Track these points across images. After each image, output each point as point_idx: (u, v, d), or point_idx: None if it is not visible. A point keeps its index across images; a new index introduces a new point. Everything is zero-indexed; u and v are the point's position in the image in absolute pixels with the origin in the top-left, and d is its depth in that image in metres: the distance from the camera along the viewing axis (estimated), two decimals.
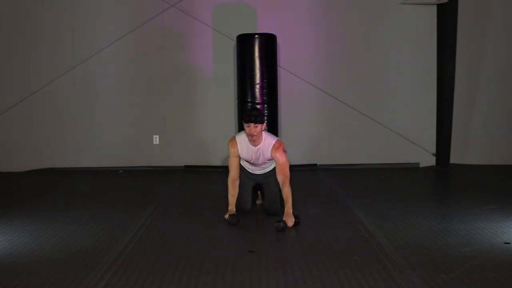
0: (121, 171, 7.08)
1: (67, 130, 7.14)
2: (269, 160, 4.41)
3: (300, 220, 4.23)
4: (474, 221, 4.26)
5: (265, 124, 4.36)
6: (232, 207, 4.37)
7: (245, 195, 4.57)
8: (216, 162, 7.07)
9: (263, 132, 4.31)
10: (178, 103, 7.21)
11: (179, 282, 3.01)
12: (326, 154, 7.18)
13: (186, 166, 7.18)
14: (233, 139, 4.41)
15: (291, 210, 4.18)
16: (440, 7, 7.01)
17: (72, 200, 5.35)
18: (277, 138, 4.40)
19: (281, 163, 4.27)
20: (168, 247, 3.70)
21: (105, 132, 7.16)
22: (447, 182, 6.64)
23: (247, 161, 4.49)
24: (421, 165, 7.22)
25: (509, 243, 3.66)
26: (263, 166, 4.52)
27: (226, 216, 4.33)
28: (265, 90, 5.68)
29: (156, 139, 7.21)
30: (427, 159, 7.24)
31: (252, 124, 4.17)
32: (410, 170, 7.03)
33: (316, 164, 7.17)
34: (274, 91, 5.86)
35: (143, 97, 7.17)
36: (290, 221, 4.13)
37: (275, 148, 4.27)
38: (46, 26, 7.01)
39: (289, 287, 2.94)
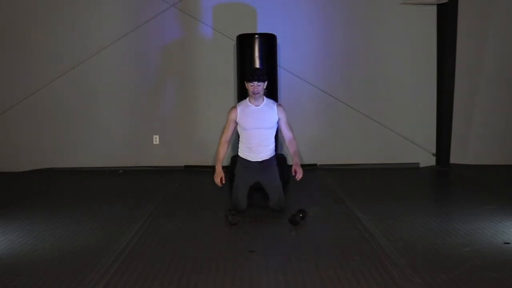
0: (121, 171, 7.08)
1: (67, 130, 7.14)
2: (271, 127, 4.57)
3: (306, 214, 4.30)
4: (474, 221, 4.26)
5: (266, 82, 4.59)
6: (219, 167, 4.61)
7: (241, 194, 4.60)
8: None
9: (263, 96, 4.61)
10: (178, 103, 7.21)
11: (179, 282, 3.01)
12: (326, 154, 7.18)
13: (186, 166, 7.18)
14: (233, 106, 4.69)
15: (299, 161, 4.64)
16: (440, 7, 7.01)
17: (72, 200, 5.35)
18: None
19: (286, 122, 4.66)
20: (168, 247, 3.70)
21: (105, 132, 7.16)
22: (447, 182, 6.64)
23: (248, 132, 4.53)
24: (421, 165, 7.21)
25: (509, 243, 3.66)
26: (264, 140, 4.55)
27: (215, 179, 4.58)
28: (265, 90, 5.67)
29: (156, 139, 7.21)
30: (427, 159, 7.23)
31: (255, 83, 4.46)
32: (410, 170, 7.03)
33: (316, 164, 7.17)
34: (274, 91, 5.87)
35: (143, 97, 7.16)
36: (299, 169, 4.54)
37: (279, 108, 4.63)
38: (46, 26, 7.01)
39: (289, 287, 2.95)
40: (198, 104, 7.19)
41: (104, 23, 7.04)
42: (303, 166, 6.84)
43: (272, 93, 5.75)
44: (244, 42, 5.87)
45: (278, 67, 6.22)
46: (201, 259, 3.40)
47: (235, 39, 6.15)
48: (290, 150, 4.70)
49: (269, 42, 5.86)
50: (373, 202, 5.03)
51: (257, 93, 4.48)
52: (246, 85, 4.57)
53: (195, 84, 7.16)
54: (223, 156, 4.67)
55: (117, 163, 7.16)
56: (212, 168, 6.90)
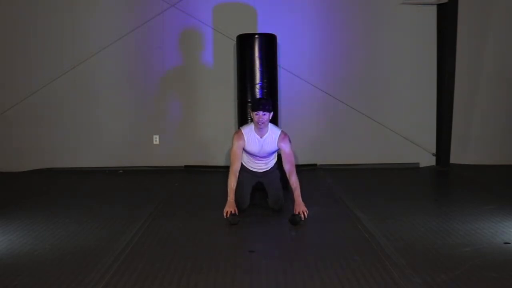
0: (121, 171, 7.08)
1: (67, 130, 7.15)
2: (273, 152, 4.54)
3: (306, 215, 4.34)
4: (474, 221, 4.26)
5: (272, 113, 4.43)
6: (232, 197, 4.40)
7: (244, 194, 4.62)
8: (216, 162, 7.08)
9: (269, 123, 4.43)
10: (178, 103, 7.21)
11: (179, 282, 3.01)
12: (326, 154, 7.18)
13: (186, 166, 7.18)
14: (239, 131, 4.50)
15: (300, 198, 4.38)
16: (440, 7, 7.01)
17: (72, 200, 5.35)
18: (281, 129, 4.54)
19: (288, 153, 4.44)
20: (168, 247, 3.70)
21: (105, 132, 7.16)
22: (447, 182, 6.64)
23: (251, 155, 4.53)
24: (421, 165, 7.22)
25: (509, 243, 3.66)
26: (265, 161, 4.59)
27: (226, 211, 4.33)
28: (265, 90, 5.68)
29: (156, 139, 7.21)
30: (427, 159, 7.24)
31: (260, 112, 4.29)
32: (410, 170, 7.03)
33: (316, 164, 7.17)
34: (274, 91, 5.86)
35: (143, 97, 7.17)
36: (302, 208, 4.31)
37: (281, 138, 4.43)
38: (46, 26, 7.01)
39: (289, 287, 2.94)
40: (198, 104, 7.19)
41: (104, 23, 7.04)
42: (303, 166, 6.98)
43: (272, 93, 5.75)
44: (244, 42, 5.87)
45: (278, 67, 6.21)
46: (201, 259, 3.40)
47: (235, 39, 6.15)
48: (289, 181, 4.45)
49: (269, 42, 5.85)
50: (373, 202, 5.03)
51: (262, 123, 4.33)
52: (251, 113, 4.45)
53: (195, 84, 7.16)
54: (235, 185, 4.42)
55: (117, 163, 7.16)
56: (212, 168, 7.01)
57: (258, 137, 4.42)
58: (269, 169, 4.68)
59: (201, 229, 4.16)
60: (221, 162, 6.98)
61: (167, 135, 7.21)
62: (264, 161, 4.62)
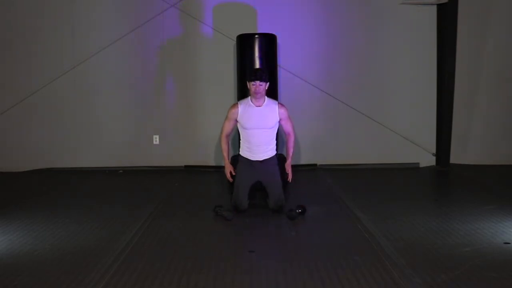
0: (121, 171, 7.08)
1: (67, 130, 7.15)
2: (273, 127, 4.58)
3: (304, 209, 4.43)
4: (474, 221, 4.26)
5: (268, 83, 4.54)
6: (227, 160, 4.72)
7: (242, 194, 4.60)
8: (216, 162, 7.08)
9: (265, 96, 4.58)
10: (178, 103, 7.21)
11: (179, 282, 3.01)
12: (326, 154, 7.18)
13: (186, 166, 7.18)
14: (235, 103, 4.70)
15: (290, 160, 4.77)
16: (440, 7, 7.01)
17: (72, 200, 5.35)
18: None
19: (289, 119, 4.68)
20: (168, 247, 3.70)
21: (105, 132, 7.16)
22: (447, 182, 6.64)
23: (250, 129, 4.53)
24: (421, 165, 7.21)
25: (509, 243, 3.66)
26: (265, 140, 4.57)
27: (229, 171, 4.66)
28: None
29: (156, 139, 7.21)
30: (427, 159, 7.24)
31: (257, 82, 4.41)
32: (410, 170, 7.03)
33: (316, 164, 7.17)
34: (274, 91, 5.87)
35: (143, 97, 7.17)
36: (288, 169, 4.71)
37: (280, 105, 4.60)
38: (46, 26, 7.01)
39: (289, 287, 2.95)
40: (198, 104, 7.19)
41: (104, 23, 7.04)
42: (303, 166, 7.00)
43: (272, 93, 5.73)
44: (244, 42, 5.88)
45: (278, 67, 6.22)
46: (201, 259, 3.40)
47: (235, 39, 6.15)
48: (286, 145, 4.79)
49: (269, 42, 5.85)
50: (373, 202, 5.03)
51: (259, 93, 4.44)
52: (248, 84, 4.52)
53: (195, 84, 7.16)
54: (227, 149, 4.72)
55: (117, 163, 7.16)
56: (212, 168, 7.02)
57: (255, 106, 4.52)
58: (269, 158, 4.63)
59: (201, 229, 4.16)
60: (221, 162, 6.97)
61: (167, 135, 7.21)
62: (264, 143, 4.56)
